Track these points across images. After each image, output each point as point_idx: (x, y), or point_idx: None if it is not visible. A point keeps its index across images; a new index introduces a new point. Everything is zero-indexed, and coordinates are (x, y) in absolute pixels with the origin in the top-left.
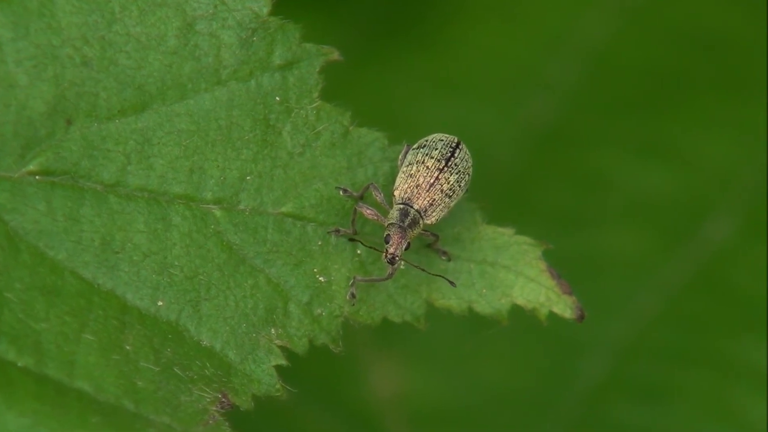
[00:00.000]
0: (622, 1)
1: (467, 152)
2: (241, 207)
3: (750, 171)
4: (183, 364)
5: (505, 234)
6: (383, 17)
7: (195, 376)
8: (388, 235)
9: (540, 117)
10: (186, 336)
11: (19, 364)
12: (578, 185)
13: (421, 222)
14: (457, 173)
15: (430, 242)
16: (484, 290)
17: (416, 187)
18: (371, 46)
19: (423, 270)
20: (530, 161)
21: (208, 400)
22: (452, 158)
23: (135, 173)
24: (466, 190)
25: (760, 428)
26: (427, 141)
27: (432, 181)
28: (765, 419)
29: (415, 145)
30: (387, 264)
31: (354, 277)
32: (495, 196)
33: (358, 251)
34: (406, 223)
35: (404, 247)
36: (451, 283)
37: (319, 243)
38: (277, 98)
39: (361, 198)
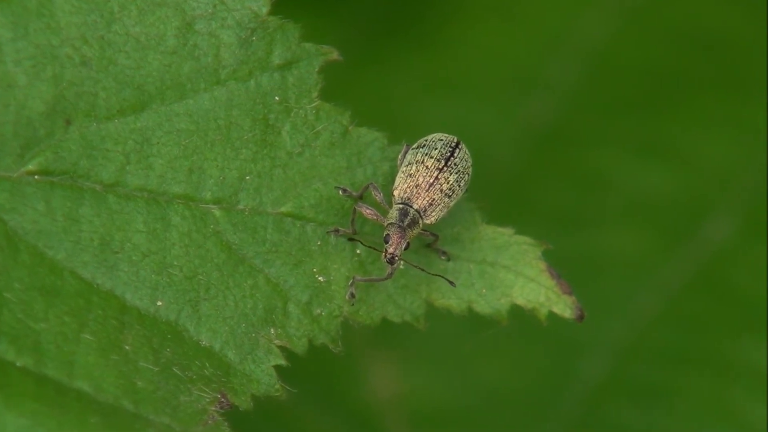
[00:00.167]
0: (621, 1)
1: (467, 152)
2: (241, 207)
3: (750, 171)
4: (182, 364)
5: (504, 234)
6: (382, 17)
7: (194, 376)
8: (388, 234)
9: (540, 117)
10: (185, 336)
11: (19, 364)
12: (578, 185)
13: (420, 222)
14: (456, 173)
15: (429, 242)
16: (484, 290)
17: (416, 187)
18: (371, 45)
19: (422, 270)
20: (530, 161)
21: (207, 400)
22: (452, 158)
23: (134, 173)
24: (466, 189)
25: (760, 429)
26: (426, 141)
27: (431, 180)
28: (765, 420)
29: (414, 145)
30: (386, 264)
31: (353, 277)
32: (495, 196)
33: (358, 251)
34: (406, 223)
35: (404, 246)
36: (451, 283)
37: (319, 243)
38: (277, 98)
39: (361, 198)
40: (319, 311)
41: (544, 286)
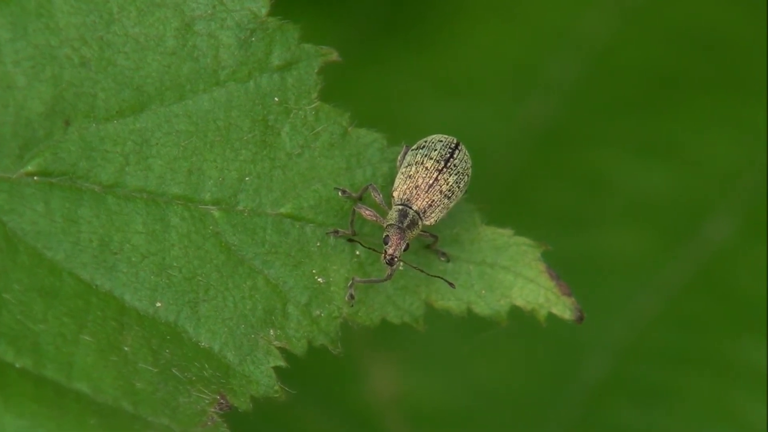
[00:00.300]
0: (622, 1)
1: (466, 153)
2: (240, 208)
3: (750, 171)
4: (181, 365)
5: (504, 235)
6: (382, 17)
7: (193, 378)
8: (387, 236)
9: (539, 117)
10: (184, 337)
11: (18, 366)
12: (578, 185)
13: (420, 223)
14: (456, 174)
15: (429, 243)
16: (483, 291)
17: (415, 188)
18: (371, 45)
19: (422, 271)
20: (530, 161)
21: (206, 401)
22: (451, 159)
23: (133, 174)
24: (465, 191)
25: (760, 429)
26: (426, 142)
27: (431, 182)
28: (765, 420)
29: (414, 146)
30: (386, 265)
31: (353, 278)
32: (494, 196)
33: (357, 252)
34: (405, 224)
35: (403, 248)
36: (450, 284)
37: (318, 244)
38: (276, 99)
39: (360, 199)
40: (318, 312)
41: (543, 287)
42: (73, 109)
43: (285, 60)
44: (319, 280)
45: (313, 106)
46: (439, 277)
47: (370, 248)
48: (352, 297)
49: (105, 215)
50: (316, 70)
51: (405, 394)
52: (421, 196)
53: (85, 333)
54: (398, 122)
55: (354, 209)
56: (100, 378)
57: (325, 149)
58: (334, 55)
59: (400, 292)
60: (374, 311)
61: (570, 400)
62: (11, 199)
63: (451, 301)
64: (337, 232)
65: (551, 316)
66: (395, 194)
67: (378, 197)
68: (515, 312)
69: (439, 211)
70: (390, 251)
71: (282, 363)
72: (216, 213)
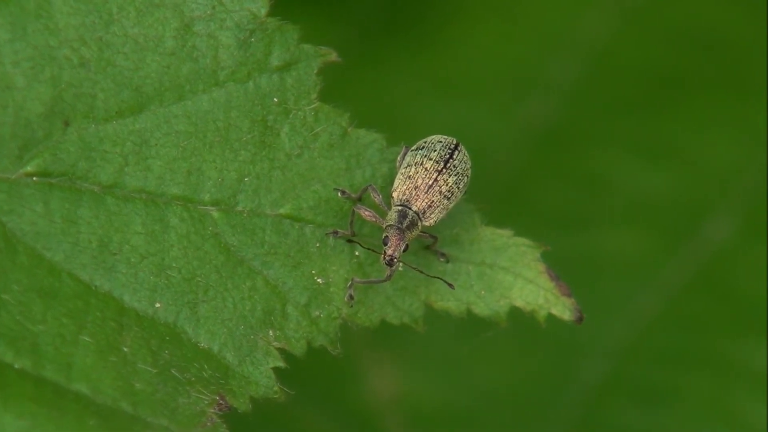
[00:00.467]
0: (622, 1)
1: (466, 154)
2: (239, 208)
3: (750, 171)
4: (181, 366)
5: (503, 235)
6: (382, 17)
7: (193, 378)
8: (387, 236)
9: (539, 117)
10: (184, 338)
11: (17, 366)
12: (578, 185)
13: (419, 224)
14: (455, 175)
15: (428, 244)
16: (483, 292)
17: (415, 189)
18: (370, 45)
19: (421, 272)
20: (530, 161)
21: (206, 402)
22: (451, 160)
23: (132, 175)
24: (465, 191)
25: (760, 429)
26: (425, 142)
27: (430, 182)
28: (765, 421)
29: (413, 147)
30: (385, 266)
31: (352, 279)
32: (494, 196)
33: (357, 253)
34: (405, 225)
35: (403, 248)
36: (450, 285)
37: (317, 245)
38: (275, 99)
39: (360, 199)
40: (317, 313)
41: (543, 287)
42: (73, 110)
43: (284, 60)
44: (318, 280)
45: (312, 106)
46: (438, 277)
47: (369, 249)
48: (351, 298)
49: (104, 216)
50: (315, 71)
51: (404, 395)
52: (421, 196)
53: (85, 334)
54: (398, 123)
55: (353, 210)
56: (100, 379)
57: (325, 150)
58: (333, 56)
59: (400, 293)
60: (374, 312)
61: (570, 400)
62: (10, 199)
63: (450, 302)
64: (336, 232)
65: (551, 317)
66: (395, 195)
67: (377, 198)
68: (515, 312)
69: (439, 211)
70: (389, 252)
71: (281, 364)
72: (215, 214)
